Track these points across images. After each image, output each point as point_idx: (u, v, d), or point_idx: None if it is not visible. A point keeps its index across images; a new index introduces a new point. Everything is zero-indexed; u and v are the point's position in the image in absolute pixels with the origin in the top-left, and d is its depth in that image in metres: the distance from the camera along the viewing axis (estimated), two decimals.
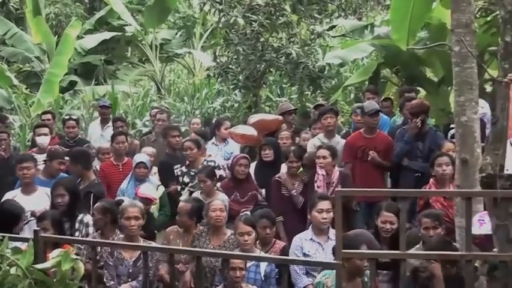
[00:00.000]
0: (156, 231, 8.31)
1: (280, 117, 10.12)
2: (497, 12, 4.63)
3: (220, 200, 7.43)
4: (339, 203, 4.54)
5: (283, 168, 8.74)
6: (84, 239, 6.88)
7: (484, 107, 8.46)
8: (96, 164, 9.66)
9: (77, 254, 6.40)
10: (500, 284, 4.48)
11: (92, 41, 19.88)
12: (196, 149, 9.14)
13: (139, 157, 9.00)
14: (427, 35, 11.92)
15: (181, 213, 7.44)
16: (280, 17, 12.62)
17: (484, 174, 4.52)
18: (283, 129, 10.03)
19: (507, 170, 4.45)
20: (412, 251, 6.03)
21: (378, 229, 6.60)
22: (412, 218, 7.65)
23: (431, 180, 7.71)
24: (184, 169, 9.12)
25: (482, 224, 5.54)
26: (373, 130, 9.06)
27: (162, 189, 8.84)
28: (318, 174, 8.15)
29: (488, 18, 9.49)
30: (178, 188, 9.05)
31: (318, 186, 8.08)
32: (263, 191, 8.76)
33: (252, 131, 9.63)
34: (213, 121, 11.44)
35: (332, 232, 6.64)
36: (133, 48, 22.01)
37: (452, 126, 8.60)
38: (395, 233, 6.30)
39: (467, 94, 6.43)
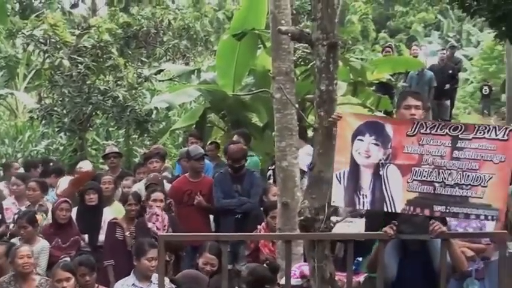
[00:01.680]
0: None
1: (90, 170, 9.84)
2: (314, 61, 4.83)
3: (27, 246, 7.14)
4: (162, 247, 4.55)
5: (106, 212, 8.59)
6: None
7: (311, 154, 8.68)
8: None
9: None
10: None
11: None
12: (40, 191, 8.89)
13: None
14: (253, 81, 12.20)
15: None
16: (107, 60, 12.58)
17: (302, 218, 4.66)
18: (106, 174, 9.84)
19: (333, 201, 4.63)
20: None
21: (199, 268, 6.61)
22: (234, 261, 7.74)
23: (263, 224, 7.80)
24: (24, 209, 8.67)
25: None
26: (199, 174, 9.13)
27: None
28: (157, 215, 8.01)
29: (308, 67, 9.88)
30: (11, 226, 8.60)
31: (157, 228, 7.93)
32: (86, 236, 8.53)
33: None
34: (41, 165, 10.98)
35: (155, 276, 6.57)
36: None
37: (270, 168, 8.86)
38: (214, 273, 6.38)
39: (287, 139, 6.67)
